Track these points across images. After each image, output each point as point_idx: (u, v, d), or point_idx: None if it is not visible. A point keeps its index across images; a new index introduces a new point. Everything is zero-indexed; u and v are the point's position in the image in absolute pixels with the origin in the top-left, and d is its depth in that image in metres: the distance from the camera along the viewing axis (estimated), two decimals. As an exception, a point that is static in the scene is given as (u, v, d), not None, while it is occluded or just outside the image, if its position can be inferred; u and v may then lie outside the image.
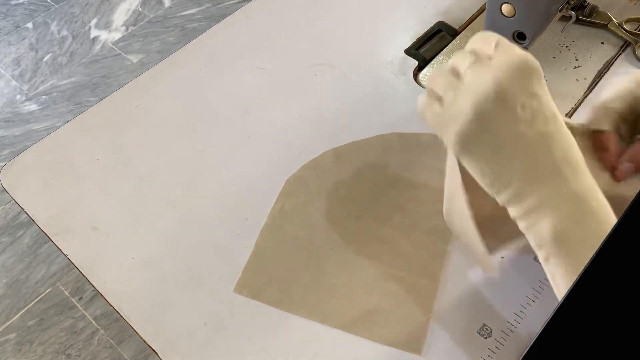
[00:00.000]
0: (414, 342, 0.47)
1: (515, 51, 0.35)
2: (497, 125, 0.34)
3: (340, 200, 0.55)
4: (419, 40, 0.70)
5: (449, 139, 0.36)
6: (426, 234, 0.53)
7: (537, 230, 0.34)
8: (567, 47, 0.68)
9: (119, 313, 0.50)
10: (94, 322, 1.20)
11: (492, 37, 0.36)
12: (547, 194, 0.33)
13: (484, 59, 0.35)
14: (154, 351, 0.47)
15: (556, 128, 0.34)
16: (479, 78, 0.34)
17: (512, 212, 0.36)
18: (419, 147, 0.59)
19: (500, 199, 0.36)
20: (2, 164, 1.46)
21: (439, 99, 0.37)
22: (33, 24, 1.82)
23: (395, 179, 0.57)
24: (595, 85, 0.64)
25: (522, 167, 0.34)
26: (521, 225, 0.36)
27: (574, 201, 0.33)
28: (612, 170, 0.40)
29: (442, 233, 0.53)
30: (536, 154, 0.34)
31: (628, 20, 0.68)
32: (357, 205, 0.55)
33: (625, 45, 0.67)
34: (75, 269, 0.53)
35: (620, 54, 0.66)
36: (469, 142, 0.35)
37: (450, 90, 0.36)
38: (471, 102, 0.34)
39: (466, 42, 0.65)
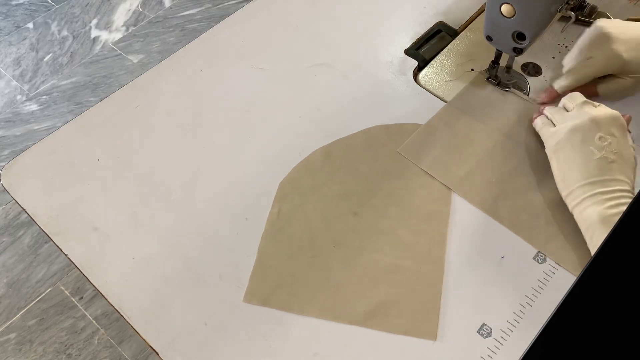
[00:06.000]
0: (428, 328, 0.47)
1: (610, 109, 0.52)
2: (577, 142, 0.50)
3: (335, 197, 0.56)
4: (418, 40, 0.70)
5: (549, 145, 0.53)
6: (424, 221, 0.53)
7: (585, 216, 0.48)
8: (566, 47, 0.68)
9: (119, 313, 0.50)
10: (94, 321, 1.20)
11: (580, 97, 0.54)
12: (593, 195, 0.48)
13: (589, 105, 0.52)
14: (154, 351, 0.48)
15: (615, 159, 0.49)
16: (583, 113, 0.52)
17: (569, 203, 0.50)
18: (404, 136, 0.60)
19: (562, 194, 0.51)
20: (3, 164, 1.46)
21: (552, 123, 0.55)
22: (33, 24, 1.83)
23: (385, 170, 0.57)
24: (595, 85, 0.64)
25: (580, 176, 0.49)
26: (574, 213, 0.50)
27: (612, 200, 0.47)
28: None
29: (439, 218, 0.54)
30: (592, 170, 0.49)
31: (627, 21, 0.68)
32: (353, 201, 0.55)
33: (625, 45, 0.67)
34: (76, 268, 0.53)
35: (620, 54, 0.66)
36: (558, 148, 0.52)
37: (561, 118, 0.54)
38: (571, 124, 0.51)
39: (466, 42, 0.67)
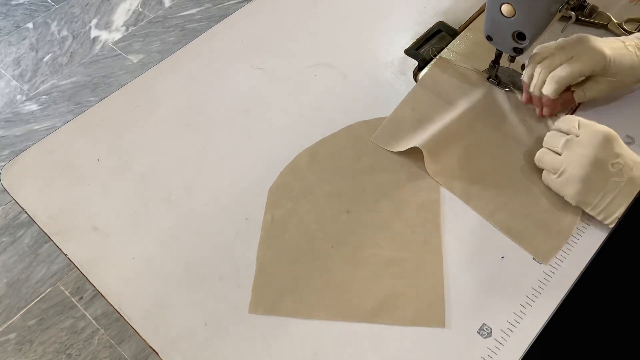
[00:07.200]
0: (435, 316, 0.48)
1: (595, 130, 0.50)
2: (598, 181, 0.50)
3: (326, 198, 0.56)
4: (418, 40, 0.70)
5: (569, 197, 0.52)
6: (416, 212, 0.54)
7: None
8: (567, 47, 0.68)
9: (119, 313, 0.50)
10: (94, 321, 1.20)
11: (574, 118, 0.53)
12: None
13: (575, 142, 0.51)
14: (154, 351, 0.48)
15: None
16: (578, 156, 0.50)
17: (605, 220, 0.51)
18: None
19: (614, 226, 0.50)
20: (3, 164, 1.46)
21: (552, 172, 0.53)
22: (33, 24, 1.83)
23: (371, 165, 0.58)
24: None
25: (624, 202, 0.49)
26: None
27: None
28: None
29: (431, 207, 0.54)
30: (630, 192, 0.49)
31: (628, 21, 0.68)
32: (344, 199, 0.55)
33: (625, 45, 0.67)
34: (76, 268, 0.53)
35: (620, 54, 0.66)
36: (583, 196, 0.51)
37: (557, 166, 0.52)
38: (579, 173, 0.50)
39: (466, 42, 0.67)
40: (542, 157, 0.54)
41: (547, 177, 0.54)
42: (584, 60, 0.54)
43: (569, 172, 0.51)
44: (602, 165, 0.49)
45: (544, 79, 0.56)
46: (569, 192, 0.51)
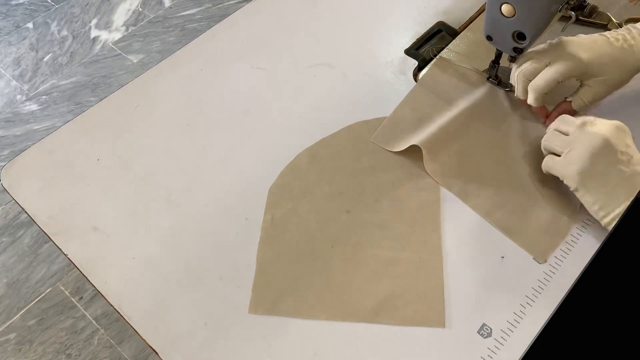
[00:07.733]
0: (435, 317, 0.48)
1: (610, 121, 0.50)
2: (604, 163, 0.48)
3: (326, 198, 0.56)
4: (418, 40, 0.70)
5: (571, 176, 0.50)
6: (416, 211, 0.54)
7: None
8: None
9: (119, 313, 0.50)
10: (94, 321, 1.20)
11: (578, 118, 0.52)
12: None
13: (588, 124, 0.50)
14: (154, 351, 0.48)
15: None
16: (590, 135, 0.49)
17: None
18: None
19: (606, 219, 0.49)
20: (3, 164, 1.46)
21: (557, 153, 0.52)
22: (33, 24, 1.83)
23: (371, 165, 0.58)
24: (595, 85, 0.63)
25: (623, 195, 0.48)
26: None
27: None
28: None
29: (431, 207, 0.54)
30: (633, 185, 0.47)
31: (628, 21, 0.68)
32: (345, 199, 0.55)
33: (625, 45, 0.67)
34: (76, 268, 0.53)
35: (620, 54, 0.66)
36: (584, 178, 0.49)
37: (566, 145, 0.51)
38: (587, 150, 0.49)
39: (466, 42, 0.67)
40: (551, 137, 0.52)
41: (550, 161, 0.52)
42: (558, 66, 0.53)
43: (578, 149, 0.49)
44: (611, 150, 0.48)
45: (521, 85, 0.56)
46: (573, 169, 0.49)
